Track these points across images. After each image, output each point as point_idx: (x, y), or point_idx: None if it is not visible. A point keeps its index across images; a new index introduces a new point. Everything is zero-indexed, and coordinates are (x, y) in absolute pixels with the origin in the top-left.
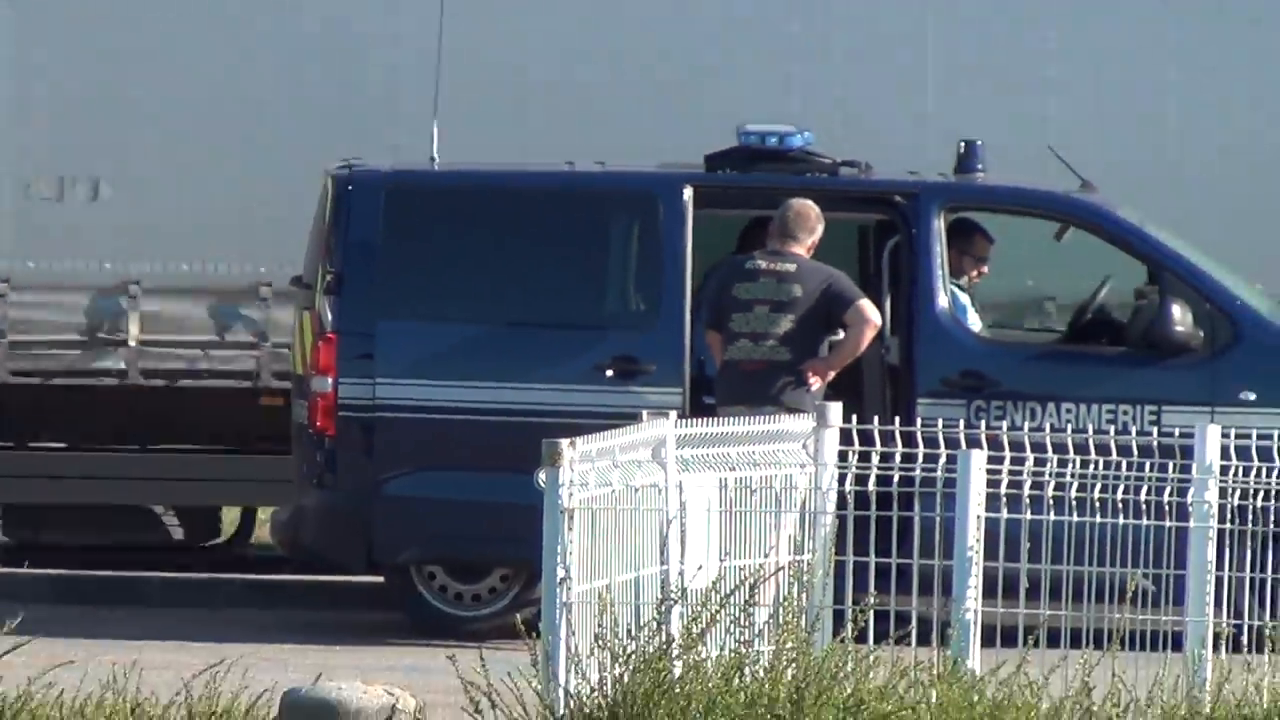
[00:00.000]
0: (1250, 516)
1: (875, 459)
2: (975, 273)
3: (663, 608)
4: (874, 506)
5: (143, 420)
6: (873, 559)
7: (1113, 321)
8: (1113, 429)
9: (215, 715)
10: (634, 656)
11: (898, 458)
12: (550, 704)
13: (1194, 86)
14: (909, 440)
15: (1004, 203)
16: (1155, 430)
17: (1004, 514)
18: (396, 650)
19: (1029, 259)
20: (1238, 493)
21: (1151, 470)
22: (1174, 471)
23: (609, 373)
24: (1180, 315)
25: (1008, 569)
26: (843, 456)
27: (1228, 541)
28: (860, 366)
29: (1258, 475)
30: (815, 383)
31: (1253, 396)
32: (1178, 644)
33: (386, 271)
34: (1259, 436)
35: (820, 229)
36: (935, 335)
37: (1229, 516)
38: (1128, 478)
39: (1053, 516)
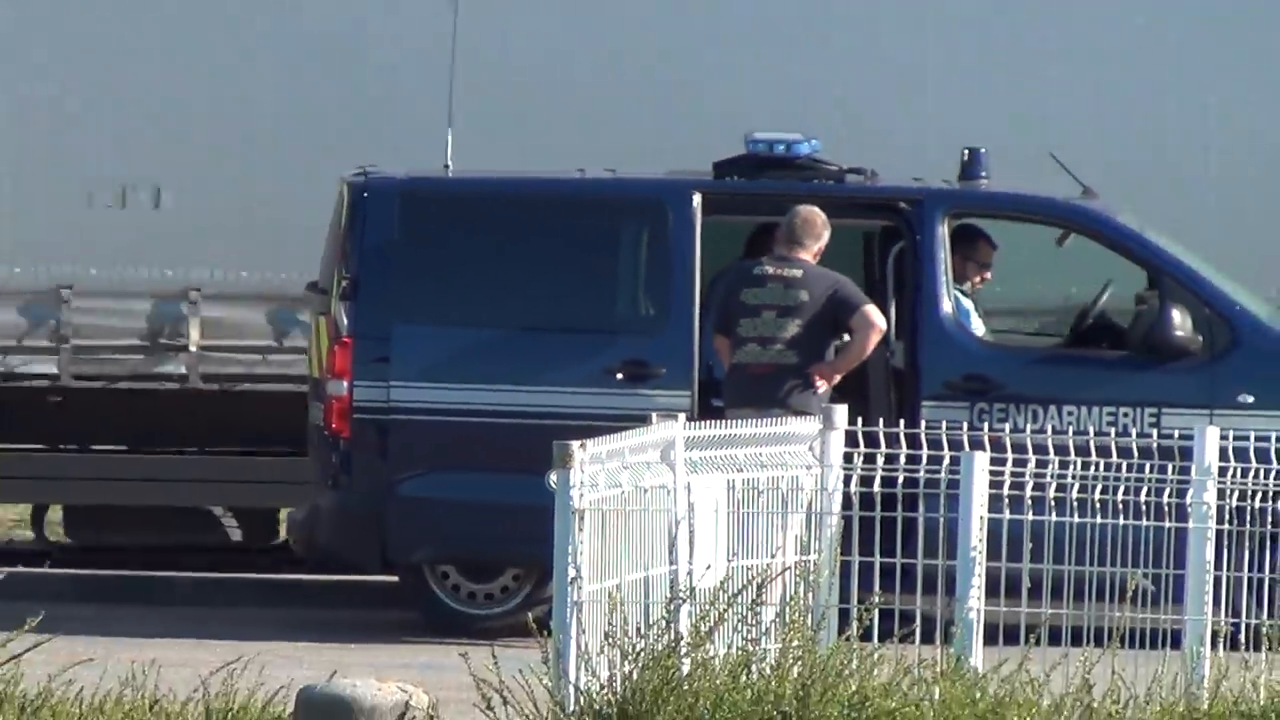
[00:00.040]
0: (1248, 517)
1: (880, 460)
2: (978, 278)
3: (671, 607)
4: (879, 507)
5: (203, 424)
6: (877, 559)
7: (1113, 326)
8: (1113, 431)
9: (232, 712)
10: (643, 654)
11: (902, 459)
12: (561, 700)
13: (1194, 87)
14: (913, 442)
15: (1006, 209)
16: (1155, 432)
17: (1006, 514)
18: (410, 648)
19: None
20: (1236, 494)
21: (1151, 472)
22: (1173, 473)
23: (619, 376)
24: (1180, 320)
25: (1010, 569)
26: (848, 458)
27: (1226, 542)
28: (865, 370)
29: (1256, 476)
30: (821, 386)
31: (1251, 399)
32: (1176, 642)
33: (401, 277)
34: (1257, 438)
35: (826, 235)
36: (939, 339)
37: (1227, 517)
38: (1128, 479)
39: (1054, 517)
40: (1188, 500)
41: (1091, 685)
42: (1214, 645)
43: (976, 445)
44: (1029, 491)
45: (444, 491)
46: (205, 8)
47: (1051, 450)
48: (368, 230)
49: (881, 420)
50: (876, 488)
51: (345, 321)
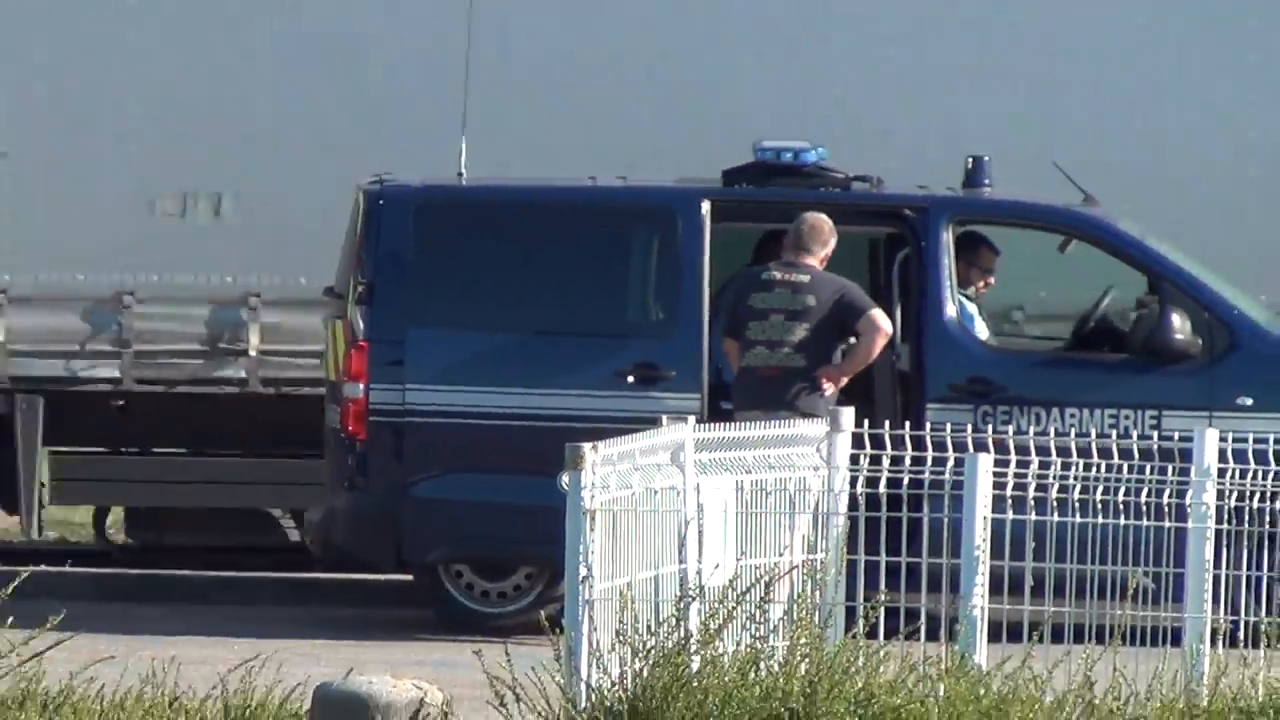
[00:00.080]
0: (1247, 517)
1: (886, 462)
2: (982, 283)
3: (681, 605)
4: (884, 507)
5: (262, 427)
6: (883, 558)
7: (1114, 330)
8: (1114, 433)
9: (250, 708)
10: (653, 652)
11: (907, 461)
12: (572, 697)
13: (1194, 88)
14: (918, 444)
15: (1009, 216)
16: (1155, 434)
17: (1009, 515)
18: (425, 645)
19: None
20: (1235, 494)
21: (1152, 473)
22: (1173, 474)
23: (630, 379)
24: (1180, 324)
25: (1013, 568)
26: (855, 459)
27: (1225, 541)
28: (872, 373)
29: (1254, 477)
30: (828, 388)
31: (1249, 402)
32: (1177, 639)
33: (416, 282)
34: (1255, 440)
35: (833, 241)
36: (944, 343)
37: (1226, 517)
38: (1129, 480)
39: (1056, 517)
40: (1187, 500)
41: (1093, 682)
42: (1213, 643)
43: (980, 447)
44: (1032, 492)
45: (458, 492)
46: (273, 16)
47: (1054, 451)
48: (383, 236)
49: (887, 422)
50: (882, 488)
51: (361, 325)
